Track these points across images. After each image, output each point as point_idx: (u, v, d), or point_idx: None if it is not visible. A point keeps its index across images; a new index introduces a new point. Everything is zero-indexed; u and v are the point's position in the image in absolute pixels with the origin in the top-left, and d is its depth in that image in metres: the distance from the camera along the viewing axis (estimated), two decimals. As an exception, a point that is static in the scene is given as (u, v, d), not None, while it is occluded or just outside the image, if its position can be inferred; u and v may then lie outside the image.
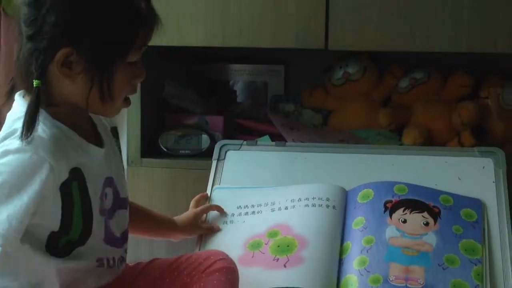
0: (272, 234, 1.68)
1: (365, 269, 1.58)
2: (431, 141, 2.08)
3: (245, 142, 1.91)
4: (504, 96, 2.13)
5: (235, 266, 1.48)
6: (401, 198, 1.72)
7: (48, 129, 1.27)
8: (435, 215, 1.68)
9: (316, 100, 2.25)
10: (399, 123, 2.14)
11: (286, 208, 1.73)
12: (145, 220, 1.64)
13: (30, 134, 1.23)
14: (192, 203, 1.76)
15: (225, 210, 1.77)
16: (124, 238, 1.43)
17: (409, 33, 1.96)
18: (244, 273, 1.51)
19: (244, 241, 1.68)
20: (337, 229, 1.69)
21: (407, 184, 1.75)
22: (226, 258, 1.47)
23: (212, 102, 2.29)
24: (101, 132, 1.41)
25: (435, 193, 1.73)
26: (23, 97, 1.31)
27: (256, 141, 1.93)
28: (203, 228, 1.73)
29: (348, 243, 1.66)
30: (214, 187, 1.82)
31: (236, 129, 2.19)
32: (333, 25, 1.97)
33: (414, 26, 1.95)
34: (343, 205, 1.74)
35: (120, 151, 1.48)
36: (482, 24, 1.93)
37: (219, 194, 1.80)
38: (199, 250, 1.69)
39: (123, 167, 1.48)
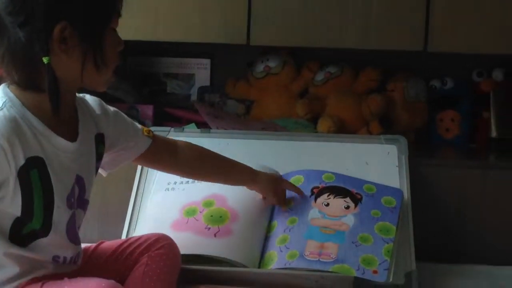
0: (208, 203, 1.69)
1: (285, 246, 1.62)
2: (343, 129, 2.11)
3: (172, 129, 1.91)
4: (408, 90, 2.20)
5: (179, 251, 1.49)
6: (328, 185, 1.76)
7: (10, 114, 1.25)
8: (356, 200, 1.72)
9: (240, 91, 2.28)
10: (315, 113, 2.17)
11: None
12: (226, 166, 1.63)
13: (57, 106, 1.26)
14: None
15: (167, 179, 1.76)
16: (79, 237, 1.41)
17: (324, 31, 2.02)
18: (177, 237, 1.52)
19: (181, 207, 1.70)
20: (266, 208, 1.73)
21: (335, 173, 1.79)
22: (172, 243, 1.49)
23: (144, 93, 2.29)
24: (81, 130, 1.37)
25: (360, 182, 1.77)
26: (8, 87, 1.30)
27: (183, 128, 1.95)
28: (275, 197, 1.68)
29: (275, 222, 1.70)
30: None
31: (165, 117, 2.21)
32: (255, 22, 2.01)
33: (329, 25, 2.01)
34: None
35: (101, 158, 1.44)
36: (390, 24, 2.00)
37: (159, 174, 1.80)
38: (138, 214, 1.70)
39: (95, 172, 1.43)
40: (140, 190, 1.79)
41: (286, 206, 1.71)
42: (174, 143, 1.61)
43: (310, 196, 1.74)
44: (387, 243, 1.62)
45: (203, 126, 2.05)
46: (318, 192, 1.74)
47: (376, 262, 1.57)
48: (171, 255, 1.47)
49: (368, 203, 1.71)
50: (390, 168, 1.83)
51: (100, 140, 1.43)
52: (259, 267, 1.62)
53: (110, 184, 1.80)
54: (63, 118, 1.32)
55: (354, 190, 1.74)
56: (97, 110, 1.43)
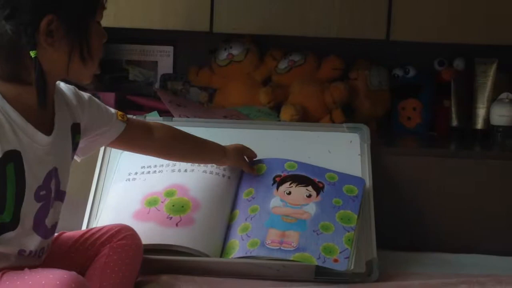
0: (169, 193, 1.69)
1: (247, 235, 1.62)
2: (306, 117, 2.11)
3: (134, 117, 1.87)
4: (370, 78, 2.21)
5: (141, 242, 1.49)
6: (290, 173, 1.76)
7: None
8: (318, 189, 1.72)
9: (203, 79, 2.26)
10: (278, 101, 2.17)
11: (186, 170, 1.74)
12: (199, 145, 1.66)
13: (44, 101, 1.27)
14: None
15: (128, 169, 1.76)
16: (52, 231, 1.41)
17: (287, 18, 2.01)
18: (139, 227, 1.52)
19: (142, 197, 1.69)
20: (228, 197, 1.73)
21: (297, 162, 1.79)
22: (135, 234, 1.49)
23: (106, 80, 2.26)
24: (57, 122, 1.36)
25: (322, 171, 1.78)
26: None
27: (145, 116, 1.93)
28: (247, 164, 1.75)
29: (237, 211, 1.70)
30: (121, 153, 1.80)
31: (127, 105, 2.19)
32: (218, 9, 2.00)
33: (292, 13, 2.01)
34: (237, 176, 1.78)
35: (77, 147, 1.45)
36: (352, 12, 2.01)
37: (126, 156, 1.79)
38: (99, 204, 1.70)
39: (70, 161, 1.43)
40: (101, 180, 1.78)
41: (255, 170, 1.76)
42: (148, 126, 1.62)
43: (272, 185, 1.73)
44: (348, 231, 1.62)
45: (165, 114, 2.04)
46: (280, 181, 1.74)
47: (337, 251, 1.58)
48: (133, 246, 1.47)
49: (330, 191, 1.72)
50: (353, 156, 1.84)
51: (76, 130, 1.43)
52: (221, 256, 1.62)
53: (70, 173, 1.77)
54: (42, 110, 1.32)
55: (316, 179, 1.75)
56: (73, 100, 1.43)
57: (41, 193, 1.33)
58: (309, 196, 1.70)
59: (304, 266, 1.55)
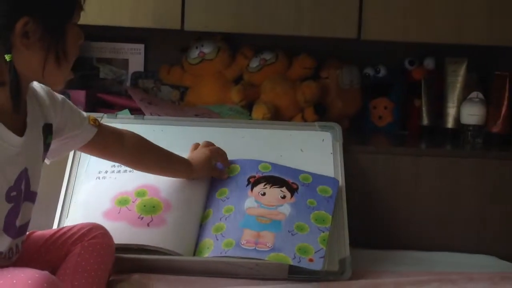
0: (140, 193, 1.68)
1: (221, 235, 1.61)
2: (278, 116, 2.11)
3: (105, 115, 1.88)
4: (342, 77, 2.20)
5: (113, 241, 1.48)
6: (264, 174, 1.76)
7: None
8: (293, 190, 1.72)
9: (174, 77, 2.25)
10: (250, 99, 2.16)
11: None
12: (166, 159, 1.64)
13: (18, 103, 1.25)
14: (193, 146, 1.76)
15: (99, 167, 1.74)
16: (22, 231, 1.38)
17: (258, 17, 2.00)
18: (110, 227, 1.51)
19: (113, 196, 1.68)
20: (200, 197, 1.71)
21: (271, 164, 1.78)
22: (106, 233, 1.48)
23: (76, 78, 2.23)
24: (29, 122, 1.35)
25: (296, 172, 1.77)
26: None
27: (116, 115, 1.92)
28: (216, 171, 1.74)
29: (210, 210, 1.69)
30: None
31: (97, 103, 2.17)
32: (189, 7, 1.99)
33: (263, 11, 2.00)
34: (209, 177, 1.76)
35: (48, 148, 1.42)
36: (324, 11, 2.00)
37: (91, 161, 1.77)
38: (70, 203, 1.68)
39: (42, 162, 1.41)
40: (73, 178, 1.76)
41: (227, 173, 1.75)
42: (119, 133, 1.60)
43: (247, 186, 1.73)
44: (323, 232, 1.62)
45: (136, 112, 2.02)
46: (254, 182, 1.73)
47: (312, 251, 1.58)
48: (105, 245, 1.45)
49: (304, 192, 1.71)
50: (325, 155, 1.84)
51: (48, 130, 1.41)
52: (194, 255, 1.61)
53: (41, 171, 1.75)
54: (16, 111, 1.30)
55: (290, 180, 1.74)
56: (46, 100, 1.41)
57: (12, 194, 1.31)
58: (284, 197, 1.70)
59: (278, 265, 1.55)
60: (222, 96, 2.20)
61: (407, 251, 1.84)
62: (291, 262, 1.54)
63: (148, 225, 1.61)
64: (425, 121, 2.22)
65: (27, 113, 1.35)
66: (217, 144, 1.80)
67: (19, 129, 1.32)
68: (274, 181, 1.74)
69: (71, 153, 1.78)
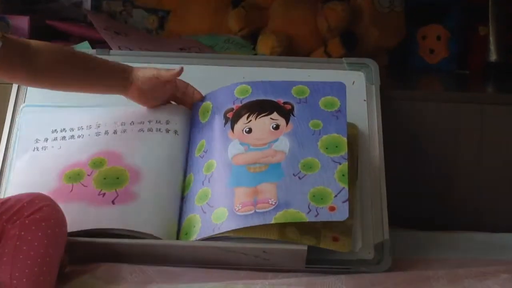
0: (97, 163, 1.69)
1: (208, 204, 1.61)
2: (292, 50, 2.11)
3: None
4: (379, -4, 2.22)
5: (63, 215, 1.48)
6: (244, 102, 1.73)
7: None
8: (286, 113, 1.69)
9: (150, -3, 2.26)
10: (254, 28, 2.17)
11: (115, 132, 1.74)
12: (96, 68, 1.66)
13: None
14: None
15: (35, 134, 1.75)
16: None
17: None
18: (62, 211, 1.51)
19: (60, 171, 1.68)
20: (179, 159, 1.72)
21: (250, 83, 1.75)
22: (53, 205, 1.48)
23: (16, -1, 2.25)
24: None
25: (286, 86, 1.74)
26: None
27: (73, 48, 1.90)
28: (164, 73, 1.71)
29: (191, 175, 1.70)
30: (21, 106, 1.80)
31: (46, 33, 2.16)
32: None
33: None
34: (187, 130, 1.76)
35: None
36: None
37: (29, 115, 1.78)
38: (7, 184, 1.69)
39: None
40: (10, 151, 1.77)
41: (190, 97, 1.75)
42: (27, 44, 1.61)
43: (225, 125, 1.71)
44: (340, 163, 1.61)
45: (99, 45, 2.02)
46: (234, 116, 1.71)
47: (331, 194, 1.56)
48: (53, 220, 1.45)
49: (303, 112, 1.69)
50: (356, 102, 1.83)
51: None
52: (177, 238, 1.62)
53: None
54: None
55: (281, 100, 1.72)
56: None
57: None
58: (277, 127, 1.68)
59: (291, 252, 1.55)
60: (216, 23, 2.21)
61: (465, 233, 1.85)
62: (307, 218, 1.53)
63: (113, 202, 1.62)
64: (493, 56, 2.22)
65: None
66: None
67: None
68: (259, 107, 1.71)
69: (9, 117, 1.79)
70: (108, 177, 1.66)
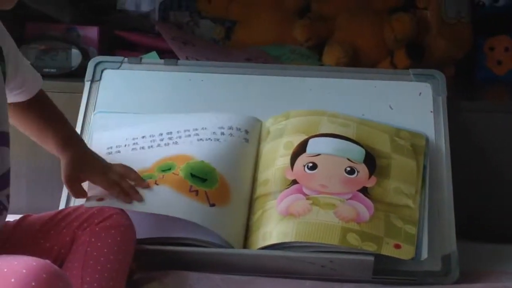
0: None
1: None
2: (357, 61, 2.12)
3: (126, 60, 1.91)
4: (446, 6, 2.20)
5: (132, 223, 1.50)
6: None
7: None
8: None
9: (217, 7, 2.27)
10: (319, 38, 2.17)
11: (189, 135, 1.75)
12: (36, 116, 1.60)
13: None
14: None
15: (107, 140, 1.76)
16: (5, 181, 1.41)
17: None
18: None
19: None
20: (251, 167, 1.73)
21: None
22: (122, 213, 1.50)
23: (85, 9, 2.26)
24: None
25: None
26: None
27: (141, 58, 1.94)
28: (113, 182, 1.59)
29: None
30: (94, 112, 1.81)
31: (115, 43, 2.20)
32: None
33: None
34: (256, 137, 1.78)
35: (5, 76, 1.44)
36: None
37: (102, 121, 1.80)
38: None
39: (5, 95, 1.43)
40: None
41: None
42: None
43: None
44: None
45: (167, 55, 2.04)
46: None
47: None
48: (122, 228, 1.47)
49: None
50: (423, 113, 1.83)
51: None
52: (245, 246, 1.62)
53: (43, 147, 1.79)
54: None
55: None
56: None
57: None
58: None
59: (358, 262, 1.55)
60: (281, 34, 2.21)
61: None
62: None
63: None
64: None
65: None
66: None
67: None
68: None
69: (80, 118, 1.81)
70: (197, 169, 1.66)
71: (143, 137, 1.76)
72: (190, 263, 1.56)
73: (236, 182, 1.69)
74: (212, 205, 1.61)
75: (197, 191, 1.62)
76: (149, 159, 1.70)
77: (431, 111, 1.84)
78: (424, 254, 1.58)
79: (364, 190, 1.64)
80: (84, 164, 1.58)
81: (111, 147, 1.75)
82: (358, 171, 1.67)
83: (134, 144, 1.75)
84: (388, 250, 1.55)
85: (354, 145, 1.71)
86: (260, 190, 1.68)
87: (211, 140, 1.73)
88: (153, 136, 1.76)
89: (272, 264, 1.58)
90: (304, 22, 2.17)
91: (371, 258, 1.55)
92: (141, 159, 1.70)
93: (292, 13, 2.24)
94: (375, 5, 2.20)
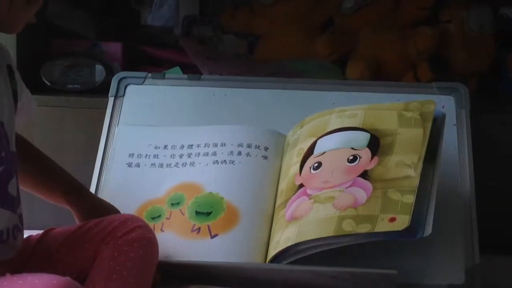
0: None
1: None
2: (381, 74, 2.12)
3: (150, 75, 1.92)
4: (469, 20, 2.19)
5: (155, 236, 1.50)
6: None
7: None
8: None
9: (240, 23, 2.27)
10: (343, 52, 2.17)
11: (207, 153, 1.76)
12: (44, 172, 1.60)
13: None
14: None
15: (129, 148, 1.78)
16: (18, 200, 1.42)
17: None
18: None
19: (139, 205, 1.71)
20: (273, 184, 1.73)
21: None
22: (145, 226, 1.50)
23: (109, 25, 2.28)
24: None
25: None
26: None
27: (164, 74, 1.94)
28: None
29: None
30: (119, 125, 1.83)
31: (139, 59, 2.21)
32: None
33: None
34: (278, 153, 1.78)
35: (16, 96, 1.46)
36: None
37: (126, 133, 1.81)
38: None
39: (14, 115, 1.45)
40: (106, 162, 1.80)
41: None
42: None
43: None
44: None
45: (191, 70, 2.05)
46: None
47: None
48: (145, 241, 1.47)
49: None
50: (446, 127, 1.78)
51: (11, 73, 1.45)
52: (266, 258, 1.62)
53: (65, 153, 1.80)
54: None
55: None
56: None
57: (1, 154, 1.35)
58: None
59: (381, 276, 1.55)
60: (305, 48, 2.21)
61: None
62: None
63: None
64: None
65: None
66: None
67: None
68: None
69: (104, 133, 1.82)
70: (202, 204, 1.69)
71: (165, 146, 1.78)
72: (212, 277, 1.56)
73: (249, 203, 1.70)
74: (214, 236, 1.63)
75: (199, 229, 1.65)
76: (164, 184, 1.73)
77: (454, 124, 1.83)
78: (428, 230, 1.53)
79: (364, 174, 1.62)
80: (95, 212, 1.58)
81: (132, 155, 1.77)
82: (360, 157, 1.66)
83: (154, 157, 1.77)
84: (382, 226, 1.53)
85: (359, 132, 1.70)
86: (277, 202, 1.69)
87: (226, 163, 1.74)
88: (174, 147, 1.77)
89: (293, 278, 1.57)
90: (327, 37, 2.18)
91: (395, 272, 1.54)
92: (156, 182, 1.73)
93: (315, 28, 2.24)
94: (398, 20, 2.20)
